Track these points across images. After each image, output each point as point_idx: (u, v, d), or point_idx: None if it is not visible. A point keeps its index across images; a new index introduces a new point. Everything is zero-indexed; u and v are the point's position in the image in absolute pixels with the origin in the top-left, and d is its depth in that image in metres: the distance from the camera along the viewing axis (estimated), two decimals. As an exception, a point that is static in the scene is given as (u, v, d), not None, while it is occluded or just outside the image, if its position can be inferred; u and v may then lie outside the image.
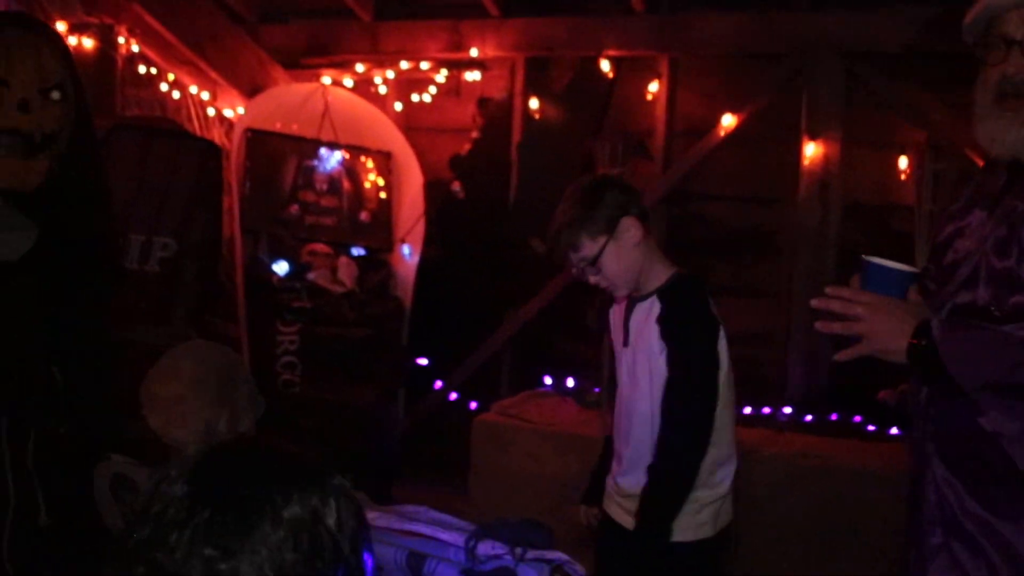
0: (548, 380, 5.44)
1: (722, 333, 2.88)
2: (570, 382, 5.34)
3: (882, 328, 2.07)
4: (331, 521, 1.26)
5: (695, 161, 5.44)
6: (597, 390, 5.04)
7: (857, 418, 4.98)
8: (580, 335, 5.44)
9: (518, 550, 1.92)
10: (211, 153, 4.92)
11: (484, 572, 1.93)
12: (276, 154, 5.74)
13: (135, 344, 4.07)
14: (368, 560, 1.34)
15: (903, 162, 5.20)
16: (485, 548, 1.94)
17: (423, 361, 5.81)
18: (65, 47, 2.63)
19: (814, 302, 2.09)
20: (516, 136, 5.91)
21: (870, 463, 4.40)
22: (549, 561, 1.93)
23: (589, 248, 2.81)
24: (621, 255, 2.81)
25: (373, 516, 2.07)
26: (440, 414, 5.77)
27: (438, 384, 5.83)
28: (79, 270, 2.71)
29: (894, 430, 4.78)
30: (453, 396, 5.79)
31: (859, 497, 4.25)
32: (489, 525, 2.03)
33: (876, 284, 2.16)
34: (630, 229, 2.80)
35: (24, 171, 2.51)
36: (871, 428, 4.93)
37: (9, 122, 2.46)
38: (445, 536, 1.99)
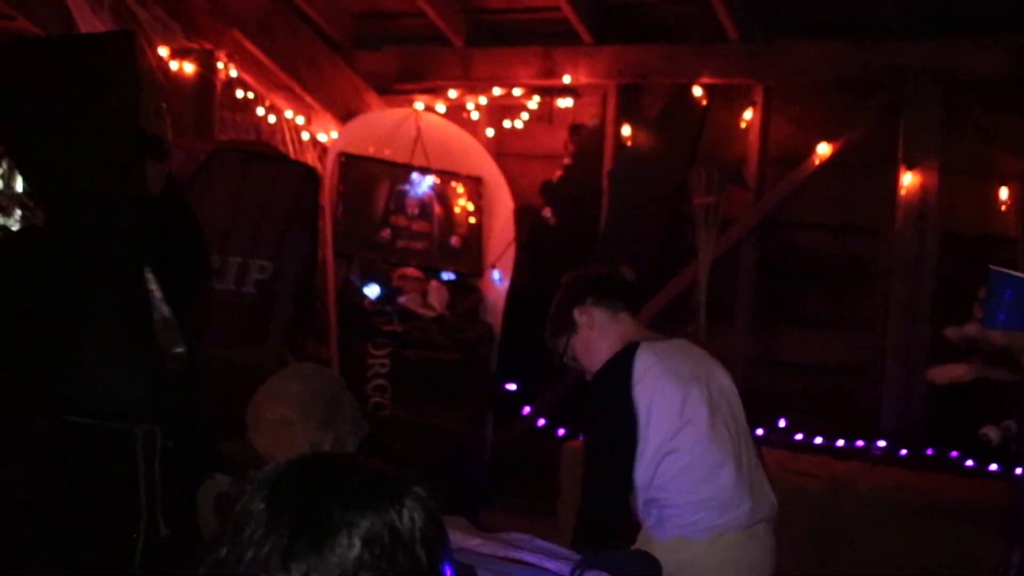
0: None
1: (658, 385, 2.74)
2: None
3: None
4: (407, 536, 1.25)
5: (789, 190, 5.39)
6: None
7: (954, 453, 4.86)
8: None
9: (624, 581, 1.91)
10: (308, 177, 5.00)
11: (589, 602, 1.92)
12: (368, 178, 5.80)
13: (232, 364, 4.14)
14: (448, 572, 1.32)
15: (1004, 192, 5.09)
16: (591, 578, 1.93)
17: (512, 386, 5.81)
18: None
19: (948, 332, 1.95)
20: (607, 163, 5.92)
21: (969, 500, 4.29)
22: (656, 593, 1.91)
23: (561, 346, 2.95)
24: (585, 344, 2.90)
25: (477, 543, 2.07)
26: (528, 440, 5.76)
27: (526, 410, 5.82)
28: (174, 281, 2.75)
29: (994, 466, 4.65)
30: (541, 422, 5.78)
31: (957, 535, 4.14)
32: (595, 555, 2.02)
33: (1002, 294, 2.06)
34: (581, 317, 2.91)
35: (158, 175, 2.58)
36: (969, 464, 4.80)
37: (152, 127, 2.52)
38: (550, 565, 1.98)
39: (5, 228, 4.70)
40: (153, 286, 2.59)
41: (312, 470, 1.29)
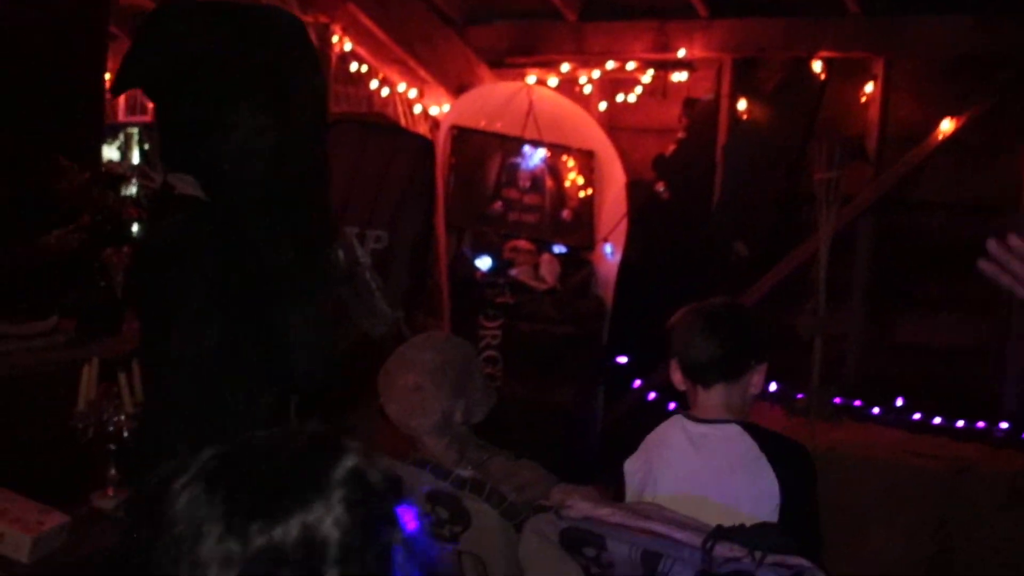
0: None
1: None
2: (772, 386, 5.24)
3: None
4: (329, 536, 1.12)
5: (909, 167, 5.25)
6: (800, 396, 4.92)
7: None
8: (785, 340, 5.33)
9: (757, 553, 1.89)
10: (425, 149, 5.04)
11: (722, 574, 1.91)
12: (480, 151, 5.82)
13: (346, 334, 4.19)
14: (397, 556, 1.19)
15: None
16: (723, 550, 1.92)
17: (622, 360, 5.80)
18: None
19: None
20: (722, 138, 5.84)
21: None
22: (790, 567, 1.89)
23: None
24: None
25: (607, 512, 2.08)
26: (638, 413, 5.73)
27: (637, 383, 5.81)
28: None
29: None
30: (652, 396, 5.75)
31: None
32: (727, 527, 2.01)
33: None
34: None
35: None
36: None
37: None
38: (681, 536, 1.98)
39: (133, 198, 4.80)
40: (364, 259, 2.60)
41: (218, 478, 1.16)
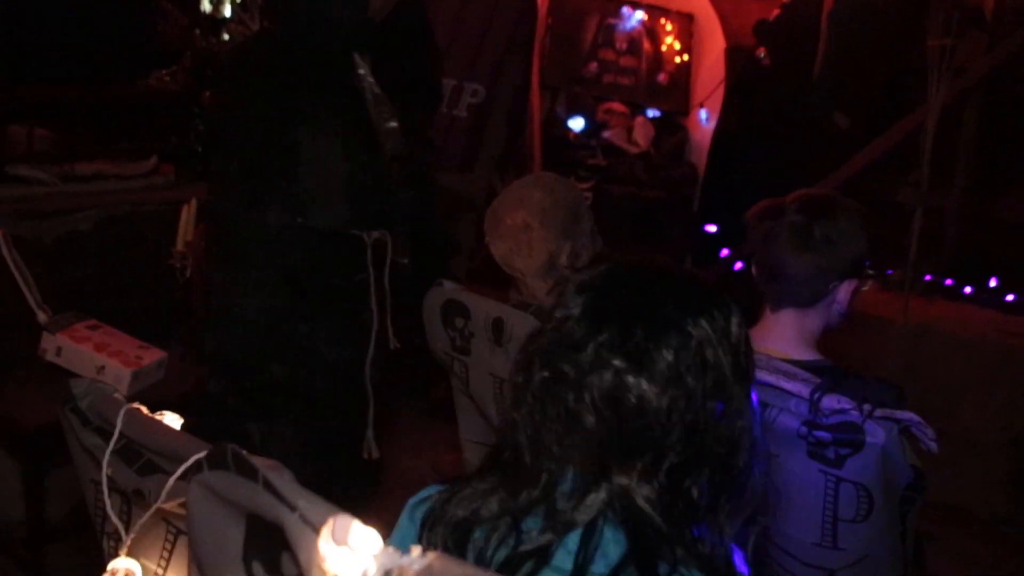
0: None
1: None
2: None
3: None
4: (735, 340, 1.25)
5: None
6: (890, 272, 4.83)
7: None
8: (879, 213, 5.21)
9: (866, 407, 1.87)
10: (528, 5, 4.93)
11: (828, 425, 1.89)
12: (577, 11, 5.70)
13: (440, 188, 4.19)
14: (754, 396, 1.32)
15: None
16: (830, 402, 1.90)
17: (712, 228, 5.73)
18: None
19: None
20: (828, 3, 5.62)
21: None
22: (898, 421, 1.87)
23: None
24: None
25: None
26: (725, 282, 5.69)
27: (724, 252, 5.74)
28: (403, 96, 2.75)
29: None
30: (739, 265, 5.69)
31: None
32: (837, 376, 1.99)
33: None
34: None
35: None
36: None
37: None
38: (789, 386, 1.96)
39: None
40: (363, 70, 2.59)
41: (634, 273, 1.29)
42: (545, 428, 1.22)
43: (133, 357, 2.89)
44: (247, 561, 1.10)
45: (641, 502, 1.18)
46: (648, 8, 5.73)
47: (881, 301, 4.63)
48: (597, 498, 1.19)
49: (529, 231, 2.40)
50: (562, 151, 5.35)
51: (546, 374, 1.23)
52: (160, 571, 1.50)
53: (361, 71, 2.58)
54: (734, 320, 1.25)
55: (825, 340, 2.37)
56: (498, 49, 4.75)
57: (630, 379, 1.18)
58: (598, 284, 1.26)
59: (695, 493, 1.20)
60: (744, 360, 1.26)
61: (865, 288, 2.18)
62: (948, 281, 4.96)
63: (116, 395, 1.56)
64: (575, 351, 1.20)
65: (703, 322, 1.21)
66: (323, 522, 0.97)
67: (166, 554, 1.50)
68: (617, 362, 1.18)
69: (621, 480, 1.19)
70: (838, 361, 2.24)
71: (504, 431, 1.30)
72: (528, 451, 1.24)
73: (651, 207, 5.29)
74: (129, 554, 1.49)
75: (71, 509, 2.93)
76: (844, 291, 2.13)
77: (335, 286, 2.69)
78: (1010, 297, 4.94)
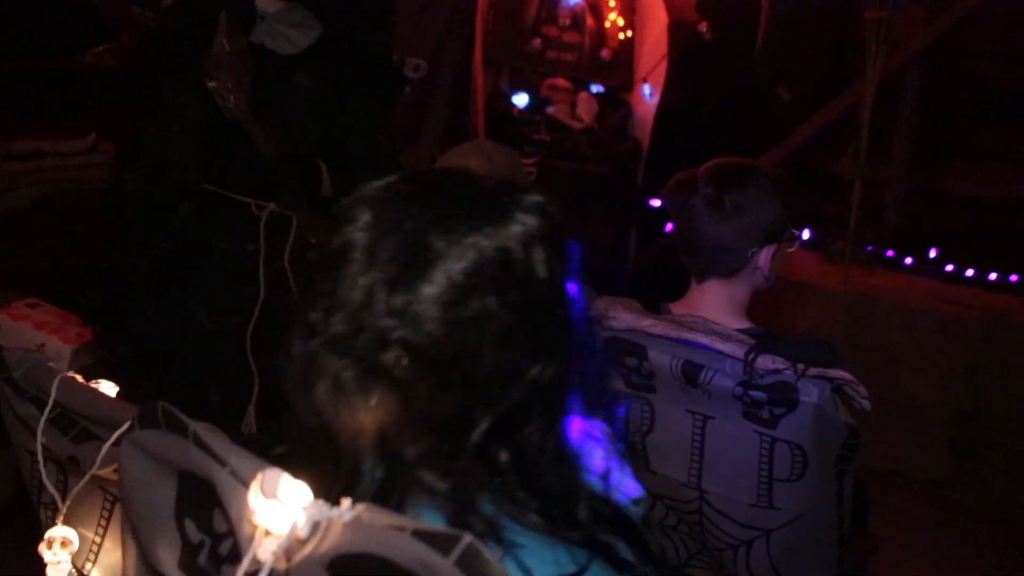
0: (794, 231, 5.30)
1: None
2: (806, 234, 5.21)
3: None
4: (518, 253, 1.12)
5: (964, 13, 5.08)
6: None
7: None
8: (822, 187, 5.28)
9: (800, 366, 1.90)
10: (468, -21, 4.93)
11: (762, 386, 1.92)
12: (521, -13, 5.70)
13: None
14: (572, 290, 1.19)
15: None
16: (765, 362, 1.93)
17: (656, 203, 5.76)
18: None
19: None
20: (770, -22, 5.67)
21: None
22: (831, 379, 1.90)
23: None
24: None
25: (649, 323, 2.09)
26: (670, 255, 5.71)
27: (670, 226, 5.77)
28: (358, 72, 2.73)
29: None
30: (683, 240, 5.73)
31: None
32: (771, 339, 2.01)
33: None
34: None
35: None
36: None
37: None
38: (723, 347, 1.99)
39: None
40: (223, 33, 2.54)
41: (412, 190, 1.17)
42: None
43: (74, 334, 2.87)
44: (179, 519, 1.10)
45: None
46: (591, -17, 5.75)
47: (823, 272, 4.71)
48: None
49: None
50: (506, 127, 5.35)
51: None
52: (98, 539, 1.49)
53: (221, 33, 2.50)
54: (516, 228, 1.12)
55: (766, 311, 2.39)
56: (439, 24, 4.74)
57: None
58: (375, 205, 1.17)
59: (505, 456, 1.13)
60: (541, 267, 1.13)
61: (791, 250, 2.20)
62: (889, 252, 5.04)
63: (51, 364, 1.55)
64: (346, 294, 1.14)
65: (473, 241, 1.10)
66: (253, 477, 0.97)
67: (103, 522, 1.49)
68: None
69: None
70: (782, 331, 2.27)
71: None
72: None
73: (596, 182, 5.31)
74: (66, 523, 1.48)
75: (15, 491, 2.91)
76: (764, 257, 2.14)
77: (217, 251, 2.63)
78: (950, 267, 5.03)
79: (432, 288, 1.08)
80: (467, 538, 0.84)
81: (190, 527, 1.08)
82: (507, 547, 1.07)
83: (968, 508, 3.93)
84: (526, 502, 1.11)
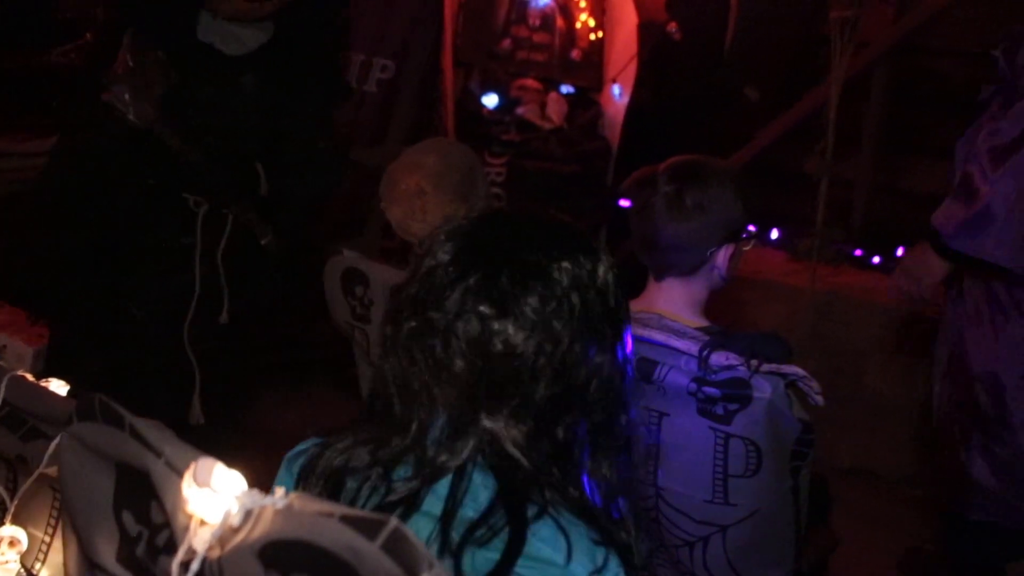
0: (751, 229, 5.33)
1: None
2: (774, 233, 5.24)
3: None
4: (602, 284, 1.27)
5: (930, 12, 5.11)
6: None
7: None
8: (790, 186, 5.30)
9: (753, 362, 1.91)
10: (435, -24, 4.92)
11: (716, 382, 1.93)
12: (491, -12, 5.70)
13: (351, 163, 4.17)
14: (628, 340, 1.34)
15: None
16: (719, 358, 1.94)
17: (626, 203, 5.76)
18: None
19: None
20: (738, -22, 5.69)
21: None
22: (785, 375, 1.91)
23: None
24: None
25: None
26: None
27: (639, 227, 5.79)
28: (303, 76, 2.74)
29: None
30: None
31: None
32: (725, 335, 2.02)
33: None
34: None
35: (249, 10, 2.55)
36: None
37: None
38: (678, 344, 1.99)
39: None
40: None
41: (502, 221, 1.33)
42: (414, 376, 1.23)
43: (36, 335, 2.86)
44: (117, 511, 1.09)
45: (509, 446, 1.21)
46: (561, -16, 5.75)
47: (790, 270, 4.73)
48: (466, 444, 1.21)
49: (423, 196, 2.42)
50: (476, 127, 5.35)
51: (414, 323, 1.25)
52: (47, 538, 1.49)
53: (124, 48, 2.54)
54: (602, 265, 1.28)
55: (733, 309, 2.41)
56: (406, 24, 4.74)
57: (495, 325, 1.20)
58: (465, 230, 1.28)
59: (561, 435, 1.22)
60: (614, 303, 1.28)
61: (747, 249, 2.21)
62: (857, 251, 5.06)
63: (0, 363, 1.55)
64: (442, 298, 1.22)
65: (568, 266, 1.23)
66: (188, 467, 0.97)
67: (53, 521, 1.48)
68: (483, 308, 1.20)
69: (489, 424, 1.21)
70: (748, 329, 2.28)
71: (375, 383, 1.31)
72: (398, 400, 1.25)
73: (565, 181, 5.31)
74: (14, 522, 1.47)
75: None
76: (723, 256, 2.15)
77: (153, 243, 2.64)
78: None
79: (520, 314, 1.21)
80: (393, 522, 0.85)
81: (128, 519, 1.08)
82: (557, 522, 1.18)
83: (934, 505, 3.95)
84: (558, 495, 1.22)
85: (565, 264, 1.24)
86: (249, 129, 2.70)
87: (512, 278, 1.21)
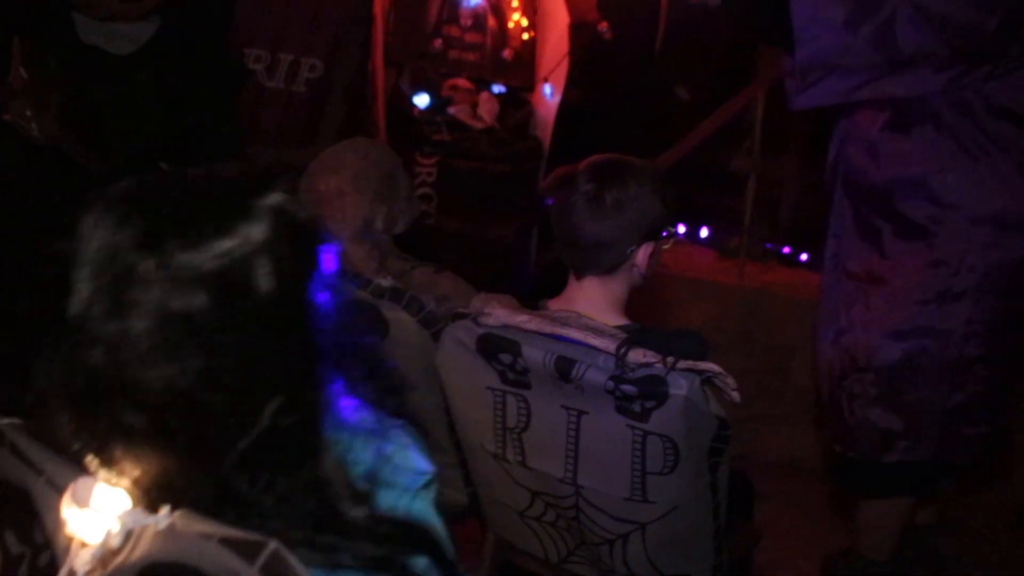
0: (681, 229, 5.37)
1: None
2: (704, 232, 5.28)
3: None
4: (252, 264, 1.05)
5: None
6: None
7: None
8: (720, 184, 5.34)
9: (669, 359, 1.92)
10: (365, -25, 4.89)
11: (633, 379, 1.93)
12: (422, -13, 5.67)
13: (282, 163, 4.11)
14: (322, 299, 1.11)
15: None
16: (636, 356, 1.94)
17: (549, 201, 5.76)
18: None
19: None
20: (668, -21, 5.73)
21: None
22: (700, 372, 1.92)
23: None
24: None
25: (523, 319, 2.09)
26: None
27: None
28: (199, 65, 2.69)
29: None
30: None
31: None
32: (643, 333, 2.03)
33: None
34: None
35: (124, 11, 2.50)
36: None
37: None
38: (596, 342, 1.99)
39: None
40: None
41: (130, 197, 1.11)
42: None
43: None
44: (0, 531, 1.07)
45: None
46: (493, -16, 5.74)
47: (719, 268, 4.77)
48: None
49: (343, 196, 2.39)
50: (407, 127, 5.31)
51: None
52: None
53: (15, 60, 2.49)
54: (237, 249, 1.04)
55: (662, 307, 2.42)
56: (334, 23, 4.70)
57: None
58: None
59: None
60: (270, 279, 1.04)
61: (666, 248, 2.22)
62: (785, 248, 5.11)
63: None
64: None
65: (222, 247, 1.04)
66: (68, 486, 0.95)
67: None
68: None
69: None
70: (674, 328, 2.29)
71: None
72: None
73: (497, 181, 5.30)
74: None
75: None
76: (642, 254, 2.15)
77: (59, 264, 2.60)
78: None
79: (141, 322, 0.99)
80: (272, 544, 0.83)
81: (11, 539, 1.05)
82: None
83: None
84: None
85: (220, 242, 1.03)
86: (153, 128, 2.64)
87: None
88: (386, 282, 2.34)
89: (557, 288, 2.28)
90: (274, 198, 1.07)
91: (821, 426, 3.60)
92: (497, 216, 5.30)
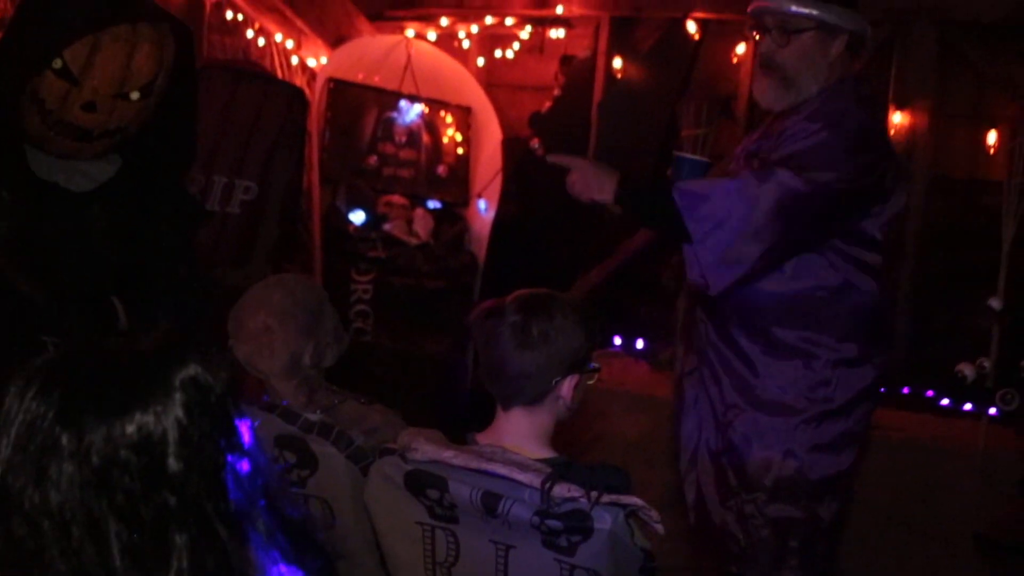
0: (617, 341, 5.43)
1: None
2: (640, 343, 5.33)
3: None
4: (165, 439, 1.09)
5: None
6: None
7: (930, 392, 4.91)
8: (652, 297, 5.42)
9: (594, 493, 1.93)
10: (297, 99, 4.97)
11: (558, 514, 1.95)
12: (357, 105, 5.76)
13: (216, 285, 4.14)
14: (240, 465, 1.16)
15: (992, 136, 5.08)
16: (561, 490, 1.95)
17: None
18: (176, 40, 2.50)
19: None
20: (598, 95, 5.89)
21: (942, 438, 4.36)
22: (624, 505, 1.94)
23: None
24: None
25: (449, 454, 2.10)
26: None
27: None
28: (156, 203, 2.70)
29: (968, 406, 4.70)
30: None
31: (934, 472, 4.20)
32: (567, 468, 2.04)
33: (681, 172, 3.12)
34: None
35: (77, 150, 2.51)
36: (945, 403, 4.85)
37: (68, 117, 2.39)
38: (521, 477, 2.01)
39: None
40: None
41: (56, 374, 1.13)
42: None
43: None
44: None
45: None
46: (427, 101, 5.85)
47: (653, 381, 4.81)
48: None
49: (270, 333, 2.41)
50: (343, 244, 5.36)
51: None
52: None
53: None
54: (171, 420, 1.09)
55: (599, 422, 2.46)
56: (267, 144, 4.76)
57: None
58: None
59: None
60: (177, 462, 1.08)
61: (590, 382, 2.25)
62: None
63: None
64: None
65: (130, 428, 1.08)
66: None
67: None
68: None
69: None
70: (612, 441, 2.33)
71: None
72: None
73: (432, 297, 5.35)
74: None
75: None
76: (567, 386, 2.17)
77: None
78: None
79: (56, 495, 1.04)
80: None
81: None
82: None
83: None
84: None
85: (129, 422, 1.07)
86: (101, 263, 2.63)
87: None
88: (315, 416, 2.34)
89: (493, 404, 2.30)
90: (190, 370, 1.11)
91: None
92: (433, 331, 5.33)
